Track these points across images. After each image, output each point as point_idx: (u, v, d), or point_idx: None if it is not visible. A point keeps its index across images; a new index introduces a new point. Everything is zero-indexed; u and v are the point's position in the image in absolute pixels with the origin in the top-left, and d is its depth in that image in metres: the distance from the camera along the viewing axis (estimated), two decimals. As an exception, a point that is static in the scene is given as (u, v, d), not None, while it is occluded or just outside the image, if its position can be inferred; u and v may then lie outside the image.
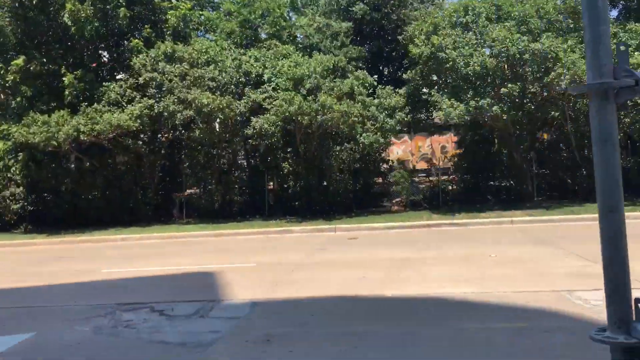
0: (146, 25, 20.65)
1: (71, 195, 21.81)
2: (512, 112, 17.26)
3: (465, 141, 21.73)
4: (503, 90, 16.90)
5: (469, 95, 17.13)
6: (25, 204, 21.63)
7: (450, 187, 21.75)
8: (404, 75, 19.67)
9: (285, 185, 21.03)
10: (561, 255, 10.73)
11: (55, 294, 9.52)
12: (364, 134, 18.89)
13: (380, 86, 19.91)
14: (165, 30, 21.04)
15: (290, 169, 20.15)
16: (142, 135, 20.98)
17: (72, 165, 22.41)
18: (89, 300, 8.78)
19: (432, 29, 18.35)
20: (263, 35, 22.56)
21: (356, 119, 18.54)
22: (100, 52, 20.95)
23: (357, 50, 21.39)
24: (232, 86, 19.36)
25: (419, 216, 18.43)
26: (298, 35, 23.48)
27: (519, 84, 16.91)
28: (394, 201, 22.03)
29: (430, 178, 21.82)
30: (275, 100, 19.18)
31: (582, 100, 18.18)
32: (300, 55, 20.66)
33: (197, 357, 5.65)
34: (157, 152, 21.25)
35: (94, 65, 20.57)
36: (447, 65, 17.38)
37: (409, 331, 6.13)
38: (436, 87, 18.31)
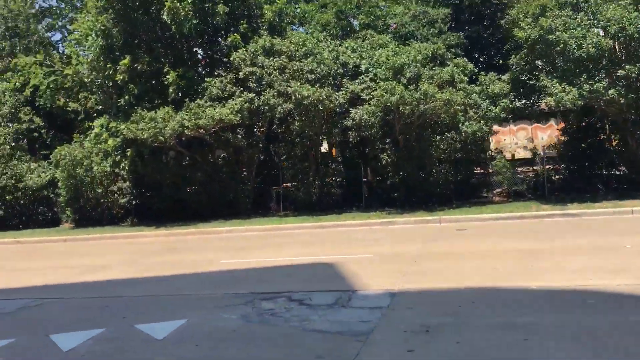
0: (242, 21, 20.92)
1: (173, 190, 22.50)
2: (629, 95, 16.25)
3: (572, 128, 20.70)
4: (620, 72, 15.93)
5: (582, 79, 16.25)
6: (131, 197, 22.46)
7: (554, 177, 20.82)
8: (509, 61, 18.88)
9: (384, 177, 20.77)
10: None
11: (188, 283, 9.74)
12: (466, 123, 18.35)
13: (482, 73, 19.28)
14: (261, 24, 21.24)
15: (389, 159, 19.84)
16: (239, 129, 21.26)
17: (174, 160, 23.14)
18: (223, 289, 8.90)
19: (539, 10, 17.53)
20: (356, 25, 22.36)
21: (458, 107, 18.04)
22: (196, 49, 21.39)
23: (456, 37, 20.82)
24: (331, 78, 19.29)
25: (527, 206, 17.71)
26: (391, 24, 23.10)
27: (638, 65, 15.88)
28: (495, 191, 21.30)
29: (535, 167, 20.90)
30: (373, 90, 18.97)
31: None
32: (397, 44, 20.33)
33: (360, 345, 5.53)
34: (254, 146, 21.48)
35: (192, 62, 21.04)
36: (558, 48, 16.54)
37: (578, 323, 5.77)
38: (544, 71, 17.45)
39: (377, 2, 21.84)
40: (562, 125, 21.90)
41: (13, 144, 24.06)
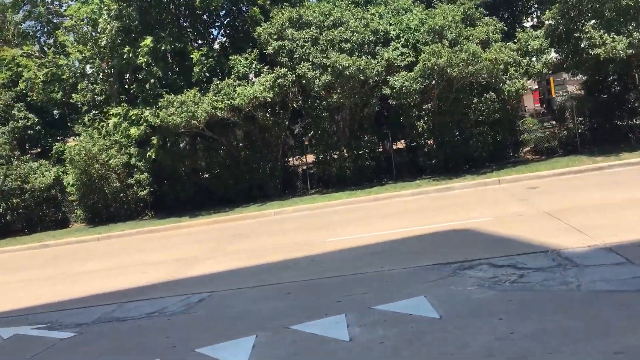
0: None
1: (194, 176, 21.55)
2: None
3: (592, 80, 20.73)
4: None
5: (630, 27, 16.27)
6: (151, 189, 21.27)
7: (584, 130, 20.95)
8: (543, 16, 18.76)
9: (419, 144, 20.39)
10: None
11: (340, 263, 9.04)
12: (508, 82, 18.11)
13: (518, 29, 19.08)
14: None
15: (425, 127, 19.45)
16: (266, 108, 20.26)
17: (190, 145, 22.04)
18: (395, 264, 8.30)
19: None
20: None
21: (502, 66, 17.79)
22: (220, 26, 20.27)
23: (480, -4, 20.44)
24: (365, 46, 18.67)
25: (578, 160, 17.67)
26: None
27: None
28: (524, 150, 21.29)
29: (564, 123, 20.93)
30: (408, 57, 18.53)
31: None
32: (422, 8, 19.86)
33: None
34: (280, 124, 20.61)
35: (216, 40, 19.93)
36: (604, -3, 16.49)
37: None
38: (585, 22, 17.33)
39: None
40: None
41: (14, 143, 22.32)
